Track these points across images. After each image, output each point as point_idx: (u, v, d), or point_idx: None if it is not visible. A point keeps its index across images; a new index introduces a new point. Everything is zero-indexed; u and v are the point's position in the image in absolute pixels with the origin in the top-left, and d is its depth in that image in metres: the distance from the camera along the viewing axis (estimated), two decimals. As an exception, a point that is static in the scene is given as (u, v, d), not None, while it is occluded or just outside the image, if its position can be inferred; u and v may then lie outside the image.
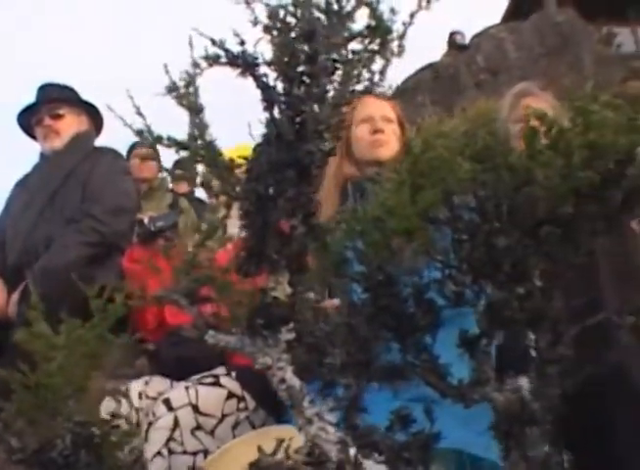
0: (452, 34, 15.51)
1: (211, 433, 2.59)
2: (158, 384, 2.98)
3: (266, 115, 1.04)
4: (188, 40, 1.09)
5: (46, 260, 3.53)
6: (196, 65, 1.10)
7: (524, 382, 1.03)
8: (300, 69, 1.00)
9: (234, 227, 1.22)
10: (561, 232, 0.96)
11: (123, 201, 3.82)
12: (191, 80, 1.09)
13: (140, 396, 2.90)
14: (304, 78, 1.00)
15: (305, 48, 0.99)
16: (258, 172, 1.02)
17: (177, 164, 5.66)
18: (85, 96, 4.12)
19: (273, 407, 2.66)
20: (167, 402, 2.61)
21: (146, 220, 3.73)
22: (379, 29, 1.06)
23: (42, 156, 4.05)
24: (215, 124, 1.20)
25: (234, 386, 2.70)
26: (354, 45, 1.08)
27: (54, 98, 4.00)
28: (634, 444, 2.03)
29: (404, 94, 13.96)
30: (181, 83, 1.10)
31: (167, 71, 1.11)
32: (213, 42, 1.06)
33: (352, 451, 1.02)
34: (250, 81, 1.05)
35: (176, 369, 2.98)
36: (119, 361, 3.40)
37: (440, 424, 1.36)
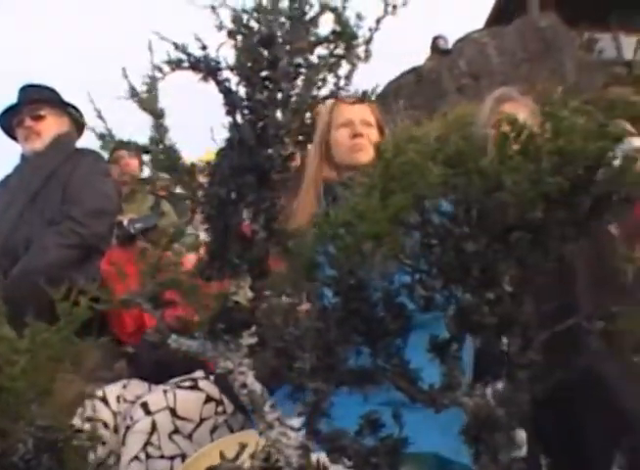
0: (435, 39, 15.57)
1: (189, 437, 2.58)
2: (136, 387, 2.97)
3: (229, 119, 1.04)
4: (148, 44, 1.09)
5: (25, 262, 3.52)
6: (159, 69, 1.10)
7: (496, 387, 1.04)
8: (263, 74, 1.01)
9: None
10: (531, 237, 0.96)
11: (104, 203, 3.82)
12: (153, 84, 1.09)
13: (118, 399, 2.89)
14: (267, 83, 1.01)
15: (266, 53, 0.99)
16: (220, 177, 1.03)
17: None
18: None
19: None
20: (145, 406, 2.60)
21: (125, 222, 3.72)
22: (344, 35, 1.07)
23: (23, 157, 4.04)
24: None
25: (212, 390, 2.69)
26: (321, 50, 1.09)
27: (35, 99, 3.99)
28: (605, 448, 2.05)
29: (386, 98, 14.00)
30: (144, 87, 1.10)
31: (126, 76, 1.11)
32: (176, 46, 1.06)
33: (315, 456, 1.02)
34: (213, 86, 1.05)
35: (154, 373, 2.97)
36: (98, 364, 3.39)
37: (417, 428, 1.36)
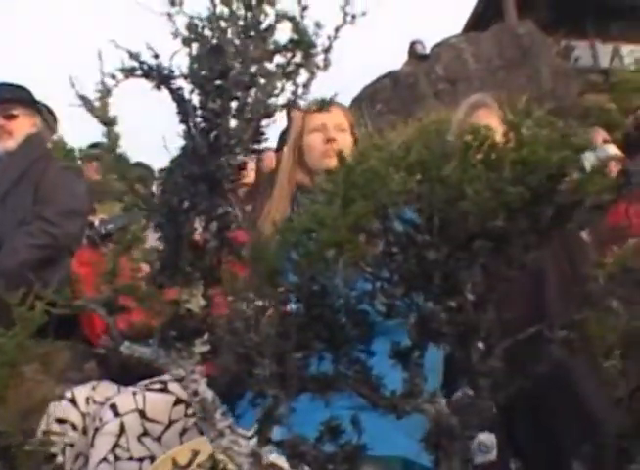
0: (413, 44, 15.60)
1: (158, 439, 2.57)
2: (105, 389, 2.95)
3: (183, 127, 1.04)
4: (98, 53, 1.09)
5: (-4, 263, 3.49)
6: (112, 76, 1.10)
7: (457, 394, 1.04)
8: (217, 82, 1.01)
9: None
10: (493, 246, 0.97)
11: (75, 203, 3.79)
12: (105, 92, 1.08)
13: (87, 400, 2.87)
14: (220, 92, 1.01)
15: (217, 62, 0.99)
16: (173, 185, 1.03)
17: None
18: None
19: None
20: (114, 408, 2.58)
21: (96, 223, 3.70)
22: (302, 43, 1.07)
23: (-6, 156, 4.01)
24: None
25: (182, 392, 2.67)
26: (280, 58, 1.09)
27: (7, 98, 3.96)
28: (574, 452, 2.06)
29: (363, 102, 14.04)
30: (96, 95, 1.10)
31: (73, 85, 1.10)
32: (130, 54, 1.06)
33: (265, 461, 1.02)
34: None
35: (124, 374, 2.96)
36: (69, 365, 3.37)
37: (385, 431, 1.36)
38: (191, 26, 1.03)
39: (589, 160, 9.03)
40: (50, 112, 4.02)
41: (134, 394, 2.64)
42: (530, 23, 15.78)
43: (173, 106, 1.07)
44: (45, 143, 4.08)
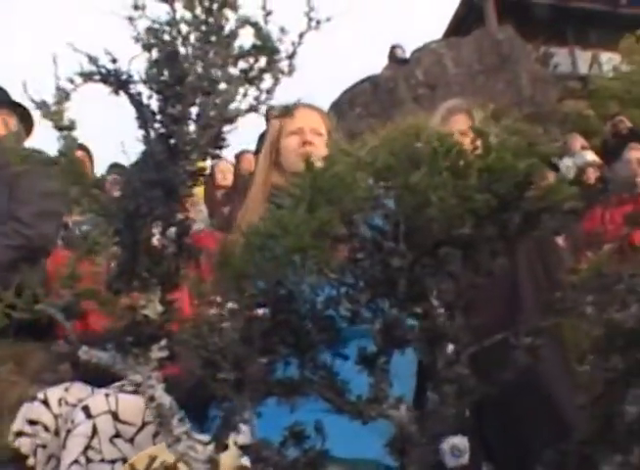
0: (393, 48, 15.63)
1: (131, 441, 2.55)
2: (78, 390, 2.92)
3: (142, 132, 1.04)
4: (53, 57, 1.08)
5: (-30, 264, 3.46)
6: (71, 81, 1.09)
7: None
8: (175, 88, 1.01)
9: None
10: (460, 253, 0.97)
11: (50, 204, 3.77)
12: (63, 97, 1.08)
13: (60, 402, 2.84)
14: (179, 97, 1.01)
15: (176, 67, 0.99)
16: (131, 190, 1.02)
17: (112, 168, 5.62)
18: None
19: (196, 416, 2.63)
20: (86, 410, 2.57)
21: (71, 224, 3.69)
22: (264, 49, 1.07)
23: (-30, 157, 3.98)
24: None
25: (155, 394, 2.66)
26: (243, 64, 1.09)
27: (-18, 99, 3.93)
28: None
29: (342, 106, 14.07)
30: (53, 100, 1.09)
31: (25, 91, 1.10)
32: (89, 58, 1.05)
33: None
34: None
35: (97, 376, 2.94)
36: (43, 366, 3.35)
37: (357, 434, 1.36)
38: (150, 31, 1.02)
39: (567, 166, 9.11)
40: (27, 112, 3.99)
41: (107, 395, 2.62)
42: (510, 29, 15.87)
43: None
44: (21, 144, 4.05)
